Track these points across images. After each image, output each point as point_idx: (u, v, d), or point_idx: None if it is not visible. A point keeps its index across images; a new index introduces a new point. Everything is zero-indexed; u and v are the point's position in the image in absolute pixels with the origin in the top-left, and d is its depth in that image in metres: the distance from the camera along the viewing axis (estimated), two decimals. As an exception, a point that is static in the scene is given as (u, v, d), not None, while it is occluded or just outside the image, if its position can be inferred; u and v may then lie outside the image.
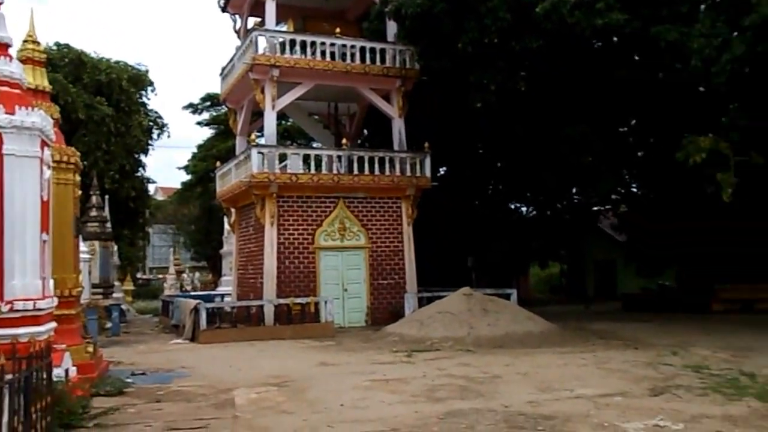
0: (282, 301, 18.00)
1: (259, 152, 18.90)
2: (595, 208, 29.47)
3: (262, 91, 19.32)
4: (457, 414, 7.78)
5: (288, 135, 31.61)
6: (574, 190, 27.70)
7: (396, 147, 20.74)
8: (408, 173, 20.29)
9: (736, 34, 15.02)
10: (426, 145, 20.50)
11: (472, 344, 14.14)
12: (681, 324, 18.02)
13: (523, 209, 30.82)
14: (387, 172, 20.06)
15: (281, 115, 23.37)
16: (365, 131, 26.28)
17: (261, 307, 18.01)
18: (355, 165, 19.80)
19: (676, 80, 17.37)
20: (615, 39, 19.18)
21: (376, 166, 19.95)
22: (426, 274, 20.90)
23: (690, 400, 8.32)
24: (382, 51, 20.50)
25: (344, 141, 20.67)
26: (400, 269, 20.23)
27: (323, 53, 19.83)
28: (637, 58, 19.70)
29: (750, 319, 19.00)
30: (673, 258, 25.33)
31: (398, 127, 20.83)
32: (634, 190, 26.49)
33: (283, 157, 19.60)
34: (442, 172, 26.92)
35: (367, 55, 20.22)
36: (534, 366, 11.42)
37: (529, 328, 15.51)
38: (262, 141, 19.89)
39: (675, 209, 22.62)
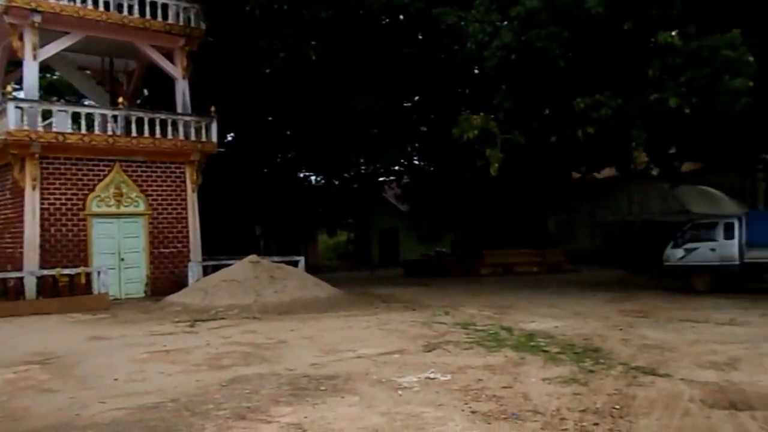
0: (46, 272, 16.36)
1: (17, 107, 16.76)
2: (381, 179, 30.80)
3: (21, 39, 17.15)
4: (242, 380, 7.67)
5: (54, 90, 28.49)
6: (361, 161, 28.65)
7: (180, 109, 19.65)
8: (193, 137, 19.38)
9: (506, 23, 16.37)
10: (212, 109, 19.66)
11: (259, 311, 14.05)
12: (454, 286, 19.59)
13: (313, 178, 31.24)
14: (170, 136, 18.99)
15: (45, 67, 20.99)
16: (145, 91, 24.64)
17: (21, 279, 16.25)
18: (134, 126, 18.41)
19: (454, 61, 18.53)
20: (401, 17, 19.98)
21: (158, 128, 18.77)
22: (212, 242, 20.30)
23: (458, 354, 9.05)
24: (164, 6, 19.16)
25: (121, 100, 19.10)
26: (183, 237, 19.39)
27: (96, 2, 18.05)
28: (420, 37, 20.72)
29: (510, 280, 21.33)
30: (449, 227, 27.46)
31: (182, 88, 19.74)
32: (417, 162, 28.09)
33: (47, 114, 17.62)
34: (229, 138, 26.20)
35: (147, 9, 18.78)
36: (319, 330, 11.64)
37: (316, 294, 15.78)
38: (21, 95, 17.69)
39: (452, 182, 24.43)
